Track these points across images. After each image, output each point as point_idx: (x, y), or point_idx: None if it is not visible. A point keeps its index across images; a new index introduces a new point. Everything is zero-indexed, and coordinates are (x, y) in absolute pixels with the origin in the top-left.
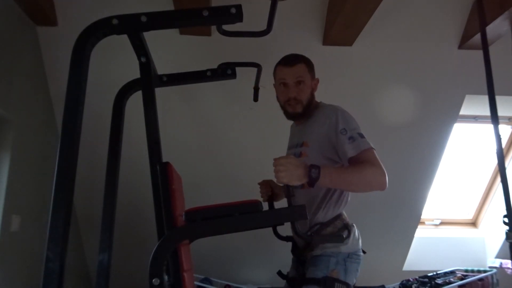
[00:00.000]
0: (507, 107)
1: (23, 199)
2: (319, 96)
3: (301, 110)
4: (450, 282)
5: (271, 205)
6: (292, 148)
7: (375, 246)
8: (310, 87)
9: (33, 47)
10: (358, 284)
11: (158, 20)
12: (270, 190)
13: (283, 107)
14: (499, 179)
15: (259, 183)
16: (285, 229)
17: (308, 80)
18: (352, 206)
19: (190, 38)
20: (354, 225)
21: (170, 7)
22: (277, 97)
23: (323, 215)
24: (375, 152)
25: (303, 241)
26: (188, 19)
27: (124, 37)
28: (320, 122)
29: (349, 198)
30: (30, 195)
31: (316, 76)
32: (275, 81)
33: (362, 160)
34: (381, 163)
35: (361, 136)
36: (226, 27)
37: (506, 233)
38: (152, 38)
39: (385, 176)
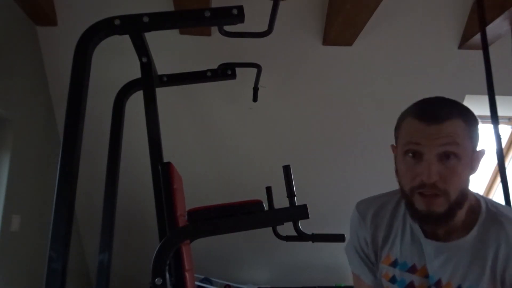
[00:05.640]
0: (507, 107)
1: (23, 199)
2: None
3: (444, 210)
4: None
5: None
6: (413, 273)
7: None
8: (468, 167)
9: (33, 47)
10: None
11: (160, 21)
12: None
13: (407, 196)
14: (499, 179)
15: None
16: (286, 228)
17: (466, 152)
18: (352, 206)
19: (190, 38)
20: None
21: (169, 7)
22: (396, 171)
23: None
24: None
25: None
26: (190, 19)
27: (124, 37)
28: (490, 257)
29: None
30: (30, 195)
31: (317, 77)
32: (396, 141)
33: None
34: None
35: None
36: (227, 28)
37: None
38: (152, 38)
39: None
